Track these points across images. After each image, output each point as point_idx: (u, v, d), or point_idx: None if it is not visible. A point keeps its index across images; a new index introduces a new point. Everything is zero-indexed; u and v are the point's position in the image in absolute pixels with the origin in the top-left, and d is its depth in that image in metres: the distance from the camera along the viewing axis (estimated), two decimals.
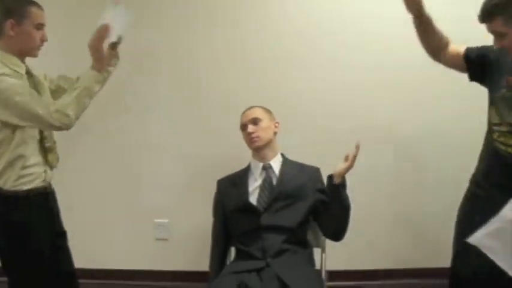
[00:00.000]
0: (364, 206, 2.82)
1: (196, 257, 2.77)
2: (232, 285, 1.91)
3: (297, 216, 2.12)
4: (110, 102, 2.85)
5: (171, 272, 2.87)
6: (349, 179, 2.77)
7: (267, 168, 2.23)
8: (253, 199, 2.15)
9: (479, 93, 2.78)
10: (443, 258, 2.83)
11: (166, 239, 2.88)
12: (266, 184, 2.18)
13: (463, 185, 2.80)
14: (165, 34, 2.84)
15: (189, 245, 2.85)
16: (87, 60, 1.96)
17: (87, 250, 2.88)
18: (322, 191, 2.18)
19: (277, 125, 2.32)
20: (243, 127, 2.27)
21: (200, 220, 2.69)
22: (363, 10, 2.80)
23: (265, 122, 2.25)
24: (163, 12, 2.84)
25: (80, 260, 2.87)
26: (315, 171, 2.27)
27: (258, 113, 2.27)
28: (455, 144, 2.81)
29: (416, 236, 2.84)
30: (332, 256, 2.30)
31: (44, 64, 2.06)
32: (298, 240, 2.13)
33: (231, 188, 2.25)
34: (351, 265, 2.71)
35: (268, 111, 2.32)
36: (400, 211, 2.84)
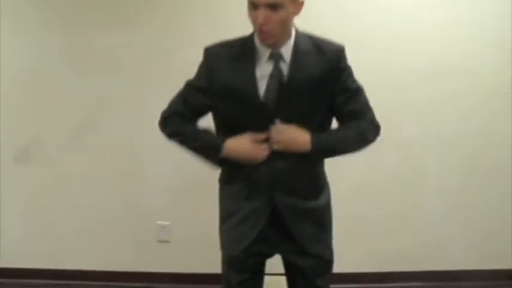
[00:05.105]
0: (365, 207, 2.84)
1: (197, 259, 2.78)
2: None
3: (314, 119, 1.66)
4: (113, 103, 2.88)
5: (172, 274, 2.87)
6: (349, 181, 2.81)
7: (276, 58, 1.64)
8: (260, 92, 1.63)
9: (482, 94, 2.81)
10: (445, 260, 2.85)
11: (168, 241, 2.88)
12: (275, 78, 1.63)
13: (465, 186, 2.83)
14: (172, 36, 2.84)
15: (191, 247, 2.85)
16: None
17: (88, 252, 2.90)
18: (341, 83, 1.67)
19: (300, 6, 1.61)
20: (253, 5, 1.55)
21: (202, 222, 2.70)
22: (362, 8, 2.80)
23: (285, 10, 1.54)
24: (166, 13, 2.84)
25: (82, 262, 2.91)
26: (336, 54, 1.69)
27: None
28: (456, 146, 2.82)
29: (417, 237, 2.85)
30: None
31: None
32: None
33: (231, 64, 1.66)
34: (349, 268, 2.71)
35: None
36: (400, 213, 2.85)
